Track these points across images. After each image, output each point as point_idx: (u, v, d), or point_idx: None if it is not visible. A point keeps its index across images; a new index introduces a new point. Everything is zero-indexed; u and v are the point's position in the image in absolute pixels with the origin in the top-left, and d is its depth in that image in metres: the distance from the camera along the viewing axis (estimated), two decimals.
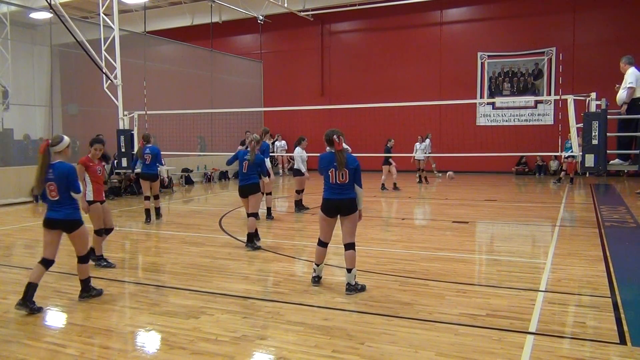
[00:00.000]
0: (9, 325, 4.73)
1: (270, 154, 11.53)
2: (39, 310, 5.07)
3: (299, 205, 11.59)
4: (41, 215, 6.71)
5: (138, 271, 6.92)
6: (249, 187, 8.09)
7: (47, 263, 5.21)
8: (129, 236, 9.57)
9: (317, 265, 5.86)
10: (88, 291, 5.49)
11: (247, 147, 8.40)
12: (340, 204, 5.59)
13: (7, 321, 4.85)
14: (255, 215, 8.11)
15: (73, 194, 5.18)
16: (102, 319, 4.85)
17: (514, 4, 21.50)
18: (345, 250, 5.60)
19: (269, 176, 9.49)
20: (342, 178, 5.55)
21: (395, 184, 15.82)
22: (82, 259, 5.41)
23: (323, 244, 5.80)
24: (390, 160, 15.55)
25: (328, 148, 5.69)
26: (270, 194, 11.04)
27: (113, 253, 8.06)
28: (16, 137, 16.31)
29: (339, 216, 5.67)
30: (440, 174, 20.33)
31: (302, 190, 11.60)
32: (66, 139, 5.31)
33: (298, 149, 11.46)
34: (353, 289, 5.51)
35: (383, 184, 15.80)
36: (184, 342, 4.26)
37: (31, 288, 5.07)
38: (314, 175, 9.73)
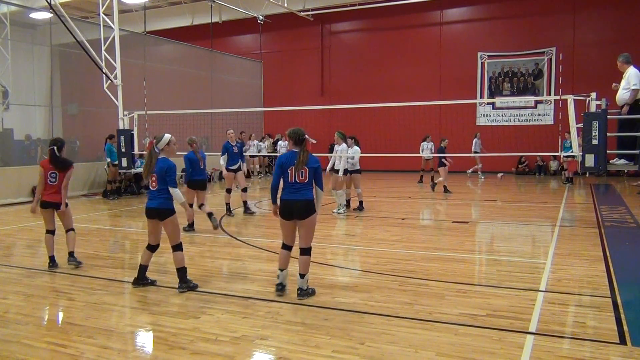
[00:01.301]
0: (9, 325, 4.73)
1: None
2: (153, 283, 5.88)
3: None
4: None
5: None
6: (203, 181, 9.47)
7: (151, 248, 5.85)
8: (129, 236, 9.58)
9: (281, 270, 5.49)
10: (186, 282, 5.69)
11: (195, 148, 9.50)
12: (294, 206, 5.31)
13: (7, 321, 4.85)
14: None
15: (170, 188, 5.63)
16: (102, 319, 4.85)
17: (514, 4, 21.50)
18: (300, 254, 5.37)
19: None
20: (302, 177, 5.33)
21: (445, 186, 14.84)
22: (176, 247, 5.71)
23: (286, 247, 5.51)
24: (444, 160, 14.69)
25: (291, 147, 5.48)
26: (245, 190, 11.31)
27: (113, 253, 8.07)
28: (16, 137, 16.31)
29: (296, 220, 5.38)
30: (482, 176, 19.67)
31: None
32: (166, 136, 5.77)
33: None
34: (305, 293, 5.36)
35: (445, 186, 14.79)
36: (184, 342, 4.26)
37: (142, 269, 5.85)
38: None
